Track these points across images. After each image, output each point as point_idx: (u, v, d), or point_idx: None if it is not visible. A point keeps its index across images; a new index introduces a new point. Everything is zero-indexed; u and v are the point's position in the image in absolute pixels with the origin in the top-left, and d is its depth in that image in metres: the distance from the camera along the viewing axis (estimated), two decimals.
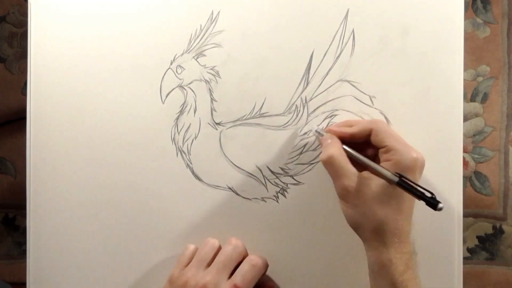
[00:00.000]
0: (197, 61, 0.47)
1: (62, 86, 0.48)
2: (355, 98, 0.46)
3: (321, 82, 0.46)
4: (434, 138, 0.45)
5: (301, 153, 0.46)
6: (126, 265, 0.47)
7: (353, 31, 0.46)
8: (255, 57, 0.46)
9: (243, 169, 0.47)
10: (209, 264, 0.44)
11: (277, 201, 0.47)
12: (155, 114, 0.47)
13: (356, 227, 0.41)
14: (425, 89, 0.45)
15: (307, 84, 0.46)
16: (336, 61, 0.46)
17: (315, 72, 0.46)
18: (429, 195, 0.38)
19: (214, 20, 0.47)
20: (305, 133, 0.46)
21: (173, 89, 0.47)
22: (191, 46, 0.47)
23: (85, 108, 0.47)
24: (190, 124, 0.47)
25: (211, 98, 0.47)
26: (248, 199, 0.47)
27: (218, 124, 0.47)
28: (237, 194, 0.47)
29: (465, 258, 0.56)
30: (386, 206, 0.40)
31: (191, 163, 0.47)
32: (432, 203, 0.37)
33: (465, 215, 0.57)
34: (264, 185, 0.47)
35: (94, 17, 0.47)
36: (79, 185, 0.47)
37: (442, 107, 0.45)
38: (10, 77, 0.59)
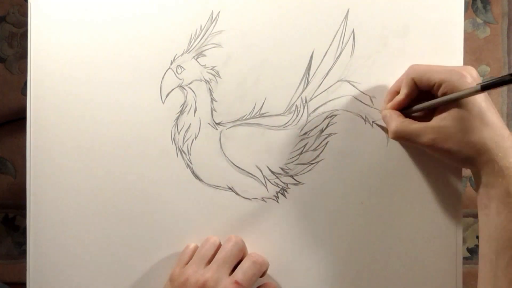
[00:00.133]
0: (197, 61, 0.47)
1: (62, 86, 0.47)
2: (355, 98, 0.46)
3: (321, 82, 0.46)
4: None
5: (301, 153, 0.46)
6: (126, 264, 0.47)
7: (353, 31, 0.46)
8: (255, 57, 0.46)
9: (243, 169, 0.47)
10: (209, 262, 0.44)
11: (277, 201, 0.47)
12: (155, 114, 0.47)
13: (464, 163, 0.41)
14: None
15: (307, 84, 0.46)
16: (336, 61, 0.46)
17: (315, 72, 0.46)
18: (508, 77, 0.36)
19: (214, 20, 0.47)
20: (305, 133, 0.46)
21: (173, 89, 0.47)
22: (191, 46, 0.47)
23: (85, 108, 0.47)
24: (190, 124, 0.47)
25: (211, 98, 0.47)
26: (248, 199, 0.47)
27: (218, 124, 0.47)
28: (237, 194, 0.47)
29: (465, 258, 0.56)
30: (473, 129, 0.39)
31: (191, 163, 0.47)
32: None
33: (465, 215, 0.57)
34: (264, 185, 0.47)
35: (94, 17, 0.47)
36: (79, 185, 0.47)
37: None
38: (10, 77, 0.59)
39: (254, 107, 0.47)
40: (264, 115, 0.47)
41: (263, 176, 0.47)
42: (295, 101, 0.46)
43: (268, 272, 0.45)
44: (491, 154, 0.39)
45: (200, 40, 0.47)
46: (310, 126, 0.46)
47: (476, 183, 0.41)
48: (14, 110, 0.58)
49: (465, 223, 0.57)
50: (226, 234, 0.46)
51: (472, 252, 0.57)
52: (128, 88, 0.47)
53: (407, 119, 0.43)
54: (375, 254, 0.46)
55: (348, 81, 0.46)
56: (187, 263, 0.45)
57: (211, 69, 0.47)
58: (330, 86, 0.46)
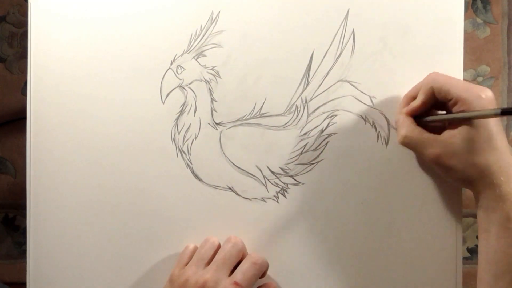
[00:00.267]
0: (197, 61, 0.47)
1: (62, 86, 0.47)
2: (355, 98, 0.46)
3: (321, 82, 0.46)
4: None
5: (301, 153, 0.46)
6: (126, 265, 0.47)
7: (353, 31, 0.46)
8: (255, 57, 0.46)
9: (243, 169, 0.47)
10: (209, 262, 0.44)
11: (277, 201, 0.47)
12: (155, 114, 0.47)
13: (464, 182, 0.41)
14: None
15: (307, 84, 0.46)
16: (336, 61, 0.46)
17: (315, 73, 0.46)
18: None
19: (214, 20, 0.47)
20: (305, 133, 0.46)
21: (173, 89, 0.47)
22: (191, 46, 0.47)
23: (85, 108, 0.47)
24: (190, 124, 0.47)
25: (211, 98, 0.47)
26: (248, 199, 0.47)
27: (218, 124, 0.47)
28: (237, 194, 0.47)
29: (465, 258, 0.56)
30: (480, 151, 0.39)
31: (191, 163, 0.47)
32: None
33: (465, 215, 0.57)
34: (264, 185, 0.47)
35: (94, 17, 0.47)
36: (79, 185, 0.47)
37: None
38: (10, 77, 0.59)
39: (254, 107, 0.47)
40: (264, 115, 0.47)
41: (263, 176, 0.47)
42: (295, 101, 0.46)
43: (268, 272, 0.45)
44: (494, 177, 0.39)
45: (200, 40, 0.47)
46: (310, 126, 0.46)
47: (476, 204, 0.41)
48: (14, 110, 0.58)
49: (465, 223, 0.57)
50: (226, 234, 0.46)
51: (472, 252, 0.57)
52: (128, 88, 0.47)
53: (419, 127, 0.43)
54: (375, 254, 0.46)
55: (348, 81, 0.46)
56: (186, 264, 0.45)
57: (211, 69, 0.47)
58: (330, 86, 0.46)
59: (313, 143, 0.46)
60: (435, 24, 0.45)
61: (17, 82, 0.58)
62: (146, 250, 0.47)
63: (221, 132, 0.47)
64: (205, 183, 0.47)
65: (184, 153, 0.47)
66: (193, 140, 0.47)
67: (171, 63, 0.47)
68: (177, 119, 0.47)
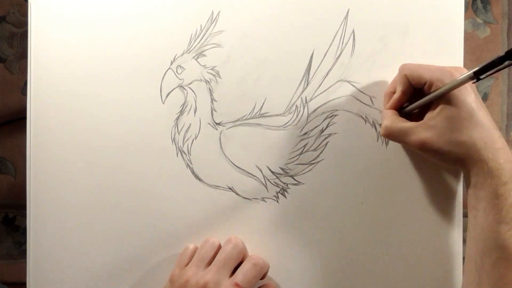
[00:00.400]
0: (197, 61, 0.47)
1: (62, 86, 0.48)
2: (355, 98, 0.46)
3: (321, 83, 0.46)
4: None
5: (301, 153, 0.46)
6: (126, 265, 0.47)
7: (353, 31, 0.46)
8: (255, 57, 0.46)
9: (243, 169, 0.47)
10: (209, 263, 0.44)
11: (277, 201, 0.47)
12: (155, 114, 0.47)
13: (455, 163, 0.41)
14: None
15: (307, 84, 0.46)
16: (336, 61, 0.46)
17: (315, 73, 0.46)
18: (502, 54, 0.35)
19: (214, 20, 0.47)
20: (305, 133, 0.46)
21: (173, 89, 0.47)
22: (191, 46, 0.47)
23: (85, 108, 0.47)
24: (190, 124, 0.47)
25: (211, 98, 0.47)
26: (248, 199, 0.47)
27: (218, 124, 0.47)
28: (237, 194, 0.47)
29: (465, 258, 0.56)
30: (462, 129, 0.39)
31: (191, 163, 0.47)
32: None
33: (465, 215, 0.57)
34: (264, 185, 0.47)
35: (94, 17, 0.47)
36: (79, 185, 0.47)
37: None
38: (10, 77, 0.59)
39: (254, 107, 0.47)
40: (264, 115, 0.47)
41: (263, 176, 0.47)
42: (295, 101, 0.46)
43: (268, 272, 0.45)
44: (480, 154, 0.39)
45: (200, 40, 0.47)
46: (310, 126, 0.46)
47: (466, 184, 0.41)
48: (14, 110, 0.58)
49: (465, 223, 0.57)
50: (226, 234, 0.46)
51: None
52: (128, 88, 0.47)
53: (400, 117, 0.43)
54: (375, 254, 0.46)
55: (348, 81, 0.46)
56: (186, 264, 0.45)
57: (211, 69, 0.47)
58: (330, 86, 0.46)
59: (313, 143, 0.46)
60: (435, 24, 0.45)
61: (17, 82, 0.58)
62: (146, 250, 0.47)
63: (221, 132, 0.47)
64: (205, 183, 0.47)
65: (184, 153, 0.47)
66: (193, 140, 0.47)
67: (171, 63, 0.47)
68: (177, 119, 0.47)
